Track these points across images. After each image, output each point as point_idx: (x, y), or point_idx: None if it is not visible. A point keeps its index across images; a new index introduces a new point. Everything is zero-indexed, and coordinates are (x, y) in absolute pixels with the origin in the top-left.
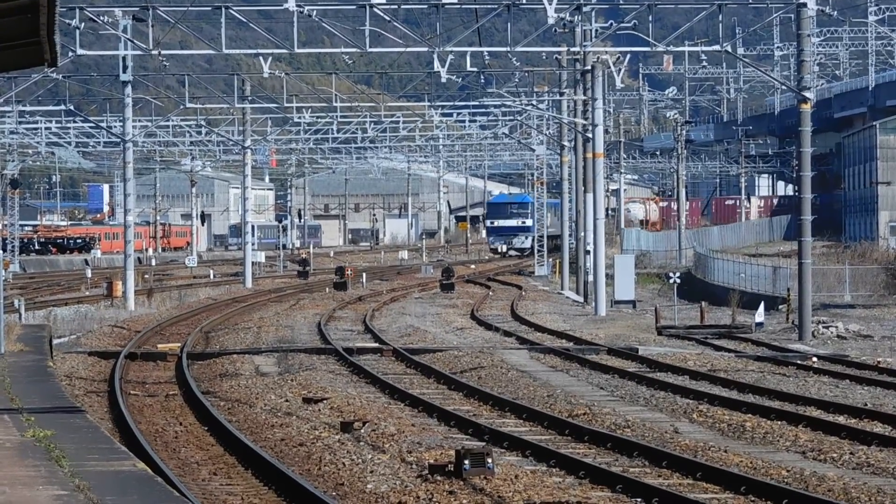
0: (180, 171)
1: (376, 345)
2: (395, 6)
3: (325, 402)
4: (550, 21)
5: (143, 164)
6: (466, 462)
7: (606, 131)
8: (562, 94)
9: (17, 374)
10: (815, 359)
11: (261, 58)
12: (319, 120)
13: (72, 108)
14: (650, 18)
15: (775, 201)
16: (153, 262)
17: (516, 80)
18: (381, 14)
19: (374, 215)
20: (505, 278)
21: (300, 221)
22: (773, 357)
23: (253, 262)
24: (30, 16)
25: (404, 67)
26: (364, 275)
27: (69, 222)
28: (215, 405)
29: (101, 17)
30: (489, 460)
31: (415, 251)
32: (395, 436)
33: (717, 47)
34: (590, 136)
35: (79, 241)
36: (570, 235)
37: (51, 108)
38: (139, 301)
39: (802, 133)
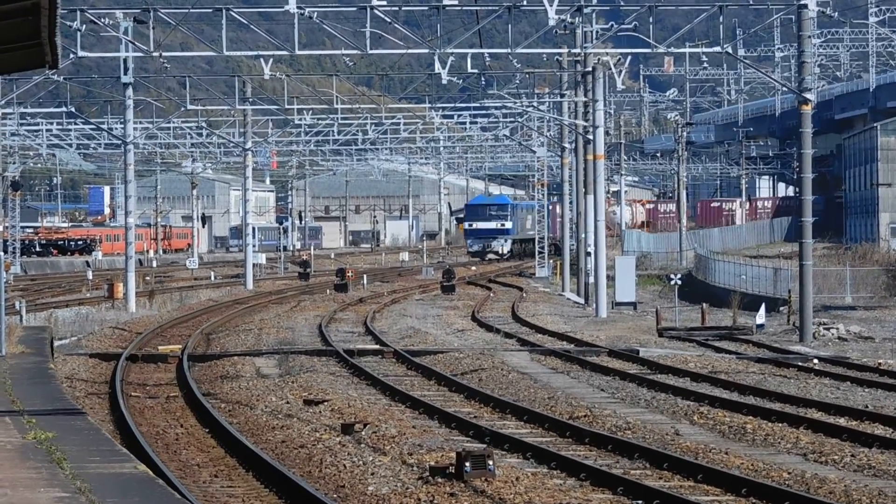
0: (181, 173)
1: (377, 346)
2: (396, 8)
3: (325, 403)
4: (551, 23)
5: (144, 165)
6: (467, 464)
7: (607, 133)
8: (562, 96)
9: (18, 376)
10: (815, 360)
11: (261, 59)
12: (320, 122)
13: (73, 109)
14: (651, 20)
15: (760, 203)
16: (154, 264)
17: (517, 81)
18: (382, 16)
19: (375, 217)
20: (506, 280)
21: (301, 223)
22: (773, 359)
23: (254, 264)
24: (31, 18)
25: (405, 69)
26: (365, 276)
27: (70, 224)
28: (216, 407)
29: (102, 20)
30: (490, 462)
31: (415, 253)
32: (395, 438)
33: (717, 49)
34: (590, 137)
35: (80, 242)
36: (571, 237)
37: (52, 109)
38: (140, 303)
39: (803, 134)
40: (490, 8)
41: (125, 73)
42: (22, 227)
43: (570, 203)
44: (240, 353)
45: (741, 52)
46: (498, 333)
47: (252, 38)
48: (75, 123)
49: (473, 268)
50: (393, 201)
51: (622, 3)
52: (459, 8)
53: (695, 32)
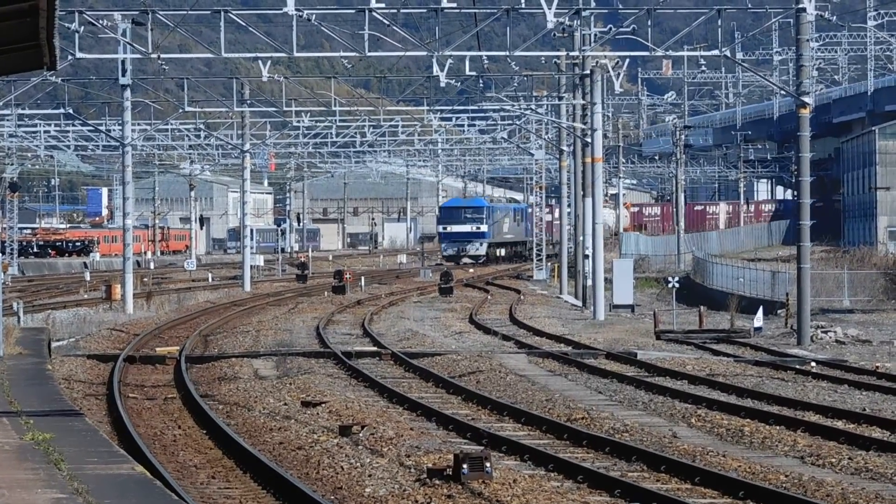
0: (179, 175)
1: (375, 348)
2: (395, 10)
3: (323, 405)
4: (549, 25)
5: (142, 167)
6: (465, 466)
7: (605, 136)
8: (561, 99)
9: (15, 378)
10: (813, 363)
11: (260, 61)
12: (318, 124)
13: (71, 111)
14: (649, 23)
15: (744, 207)
16: (152, 266)
17: (515, 84)
18: (381, 18)
19: (373, 219)
20: (503, 282)
21: (299, 225)
22: (771, 362)
23: (252, 266)
24: (29, 19)
25: (403, 71)
26: (363, 278)
27: (68, 225)
28: (214, 408)
29: (101, 21)
30: (487, 464)
31: (413, 255)
32: (393, 439)
33: (716, 52)
34: (588, 140)
35: (77, 244)
36: (569, 240)
37: (50, 111)
38: (138, 304)
39: (801, 138)
40: (488, 10)
41: (123, 75)
42: (20, 229)
43: (569, 206)
44: (237, 355)
45: (739, 55)
46: (496, 336)
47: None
48: (73, 125)
49: (471, 270)
50: (391, 203)
51: (620, 6)
52: (458, 10)
53: (693, 36)
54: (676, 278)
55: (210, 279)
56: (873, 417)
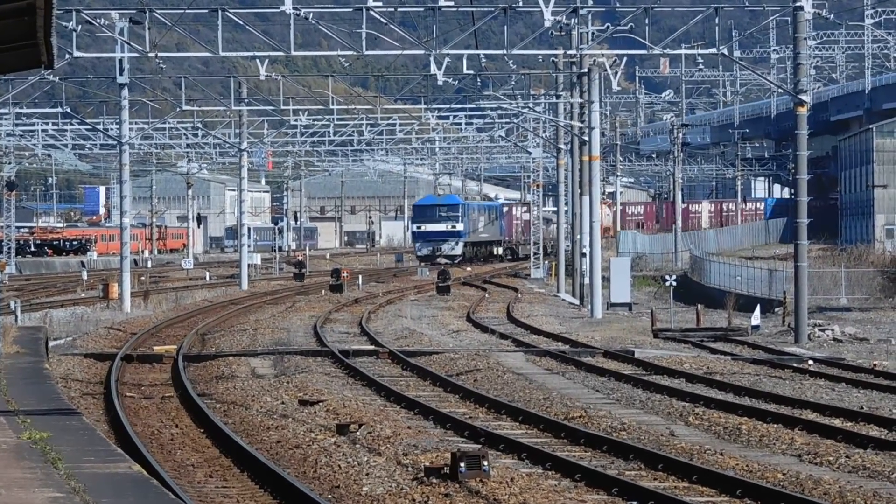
0: (177, 174)
1: (372, 347)
2: (392, 9)
3: (320, 404)
4: (547, 24)
5: (140, 166)
6: (462, 465)
7: (603, 134)
8: (558, 97)
9: (13, 376)
10: (811, 362)
11: (257, 60)
12: (316, 122)
13: (68, 110)
14: (646, 21)
15: (726, 206)
16: (149, 265)
17: (512, 82)
18: (378, 16)
19: (371, 218)
20: (501, 281)
21: (296, 224)
22: (769, 360)
23: (249, 265)
24: (26, 18)
25: (401, 70)
26: (360, 277)
27: (65, 224)
28: (211, 407)
29: (98, 20)
30: (485, 463)
31: (411, 253)
32: (390, 438)
33: (713, 50)
34: (586, 138)
35: (75, 242)
36: (567, 238)
37: (47, 110)
38: (135, 303)
39: (799, 136)
40: (486, 9)
41: (121, 74)
42: (17, 227)
43: (567, 204)
44: (235, 354)
45: (737, 53)
46: (493, 334)
47: (248, 38)
48: (71, 124)
49: (469, 269)
50: (388, 202)
51: (618, 5)
52: (455, 9)
53: (690, 34)
54: (674, 276)
55: (207, 278)
56: (871, 415)
